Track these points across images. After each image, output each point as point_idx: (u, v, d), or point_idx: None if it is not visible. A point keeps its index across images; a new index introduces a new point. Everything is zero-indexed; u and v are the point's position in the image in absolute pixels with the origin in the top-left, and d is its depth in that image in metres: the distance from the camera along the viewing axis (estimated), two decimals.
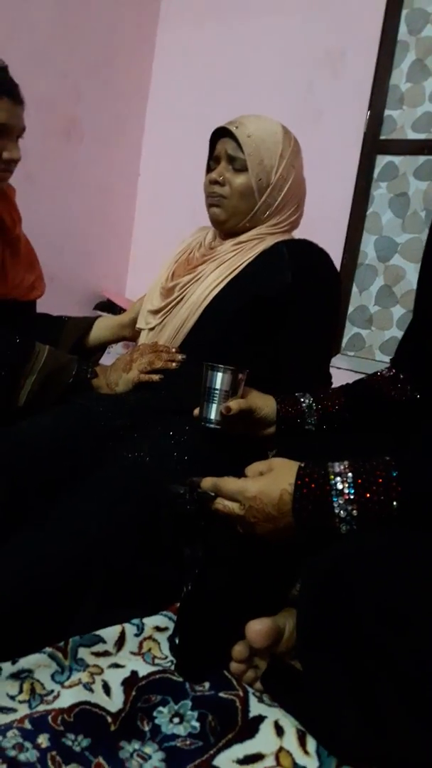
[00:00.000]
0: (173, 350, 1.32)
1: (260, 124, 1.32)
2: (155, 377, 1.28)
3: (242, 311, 1.28)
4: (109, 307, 2.92)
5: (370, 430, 1.15)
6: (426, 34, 2.40)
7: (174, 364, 1.29)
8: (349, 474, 0.76)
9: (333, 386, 1.39)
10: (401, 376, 1.15)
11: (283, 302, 1.28)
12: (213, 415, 1.12)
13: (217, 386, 1.12)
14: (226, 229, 1.38)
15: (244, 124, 1.31)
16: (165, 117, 3.03)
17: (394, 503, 0.73)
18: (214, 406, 1.12)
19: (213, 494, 0.85)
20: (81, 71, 2.68)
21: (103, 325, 1.52)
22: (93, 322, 1.53)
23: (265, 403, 1.16)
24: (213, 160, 1.36)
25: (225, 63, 2.82)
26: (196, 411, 1.15)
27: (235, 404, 1.11)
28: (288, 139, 1.34)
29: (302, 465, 0.80)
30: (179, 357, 1.30)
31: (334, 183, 2.53)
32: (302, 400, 1.17)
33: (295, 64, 2.65)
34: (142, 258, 3.14)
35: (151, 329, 1.38)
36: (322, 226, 2.43)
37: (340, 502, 0.75)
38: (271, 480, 0.81)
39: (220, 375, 1.12)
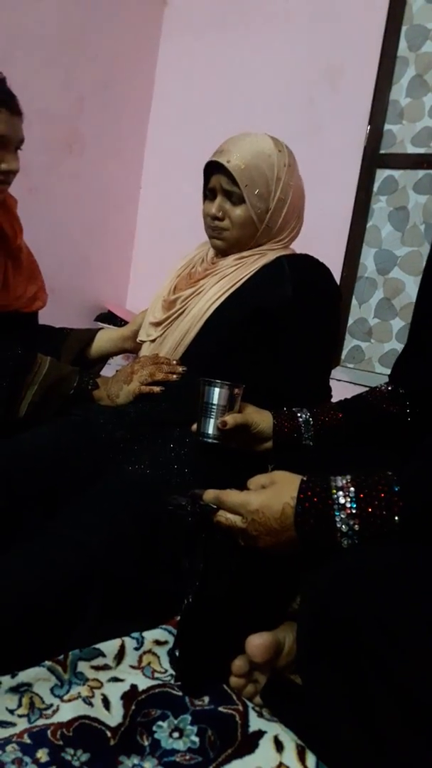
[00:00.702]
0: (174, 362, 1.32)
1: (251, 149, 1.29)
2: (156, 389, 1.29)
3: (243, 324, 1.29)
4: (110, 318, 2.93)
5: (368, 445, 1.15)
6: (426, 50, 2.42)
7: (174, 376, 1.30)
8: (351, 488, 0.76)
9: (333, 398, 1.40)
10: (400, 391, 1.16)
11: (283, 315, 1.28)
12: (210, 430, 1.13)
13: (214, 401, 1.13)
14: (229, 255, 1.39)
15: (234, 154, 1.28)
16: (167, 130, 3.05)
17: (396, 518, 0.73)
18: (211, 421, 1.13)
19: (215, 507, 0.85)
20: (83, 84, 2.70)
21: (105, 338, 1.53)
22: (95, 334, 1.53)
23: (261, 419, 1.17)
24: (209, 191, 1.36)
25: (226, 77, 2.85)
26: (194, 426, 1.16)
27: (231, 419, 1.11)
28: (282, 157, 1.32)
29: (304, 479, 0.80)
30: (180, 369, 1.31)
31: (334, 196, 2.55)
32: (299, 415, 1.17)
33: (295, 79, 2.67)
34: (143, 270, 3.15)
35: (153, 341, 1.39)
36: (322, 239, 2.44)
37: (342, 516, 0.75)
38: (274, 493, 0.81)
39: (216, 390, 1.13)
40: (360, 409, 1.18)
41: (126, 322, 2.46)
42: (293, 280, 1.30)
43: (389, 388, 1.17)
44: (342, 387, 2.17)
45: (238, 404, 1.15)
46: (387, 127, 2.51)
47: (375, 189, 2.55)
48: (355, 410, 1.18)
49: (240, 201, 1.30)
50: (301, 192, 1.39)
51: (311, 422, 1.16)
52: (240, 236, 1.34)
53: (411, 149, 2.47)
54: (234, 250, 1.37)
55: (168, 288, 1.42)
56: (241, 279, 1.32)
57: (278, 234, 1.37)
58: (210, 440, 1.13)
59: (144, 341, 1.41)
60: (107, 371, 1.57)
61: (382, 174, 2.54)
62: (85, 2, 2.60)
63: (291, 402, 1.21)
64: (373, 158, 2.54)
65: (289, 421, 1.17)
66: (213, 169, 1.33)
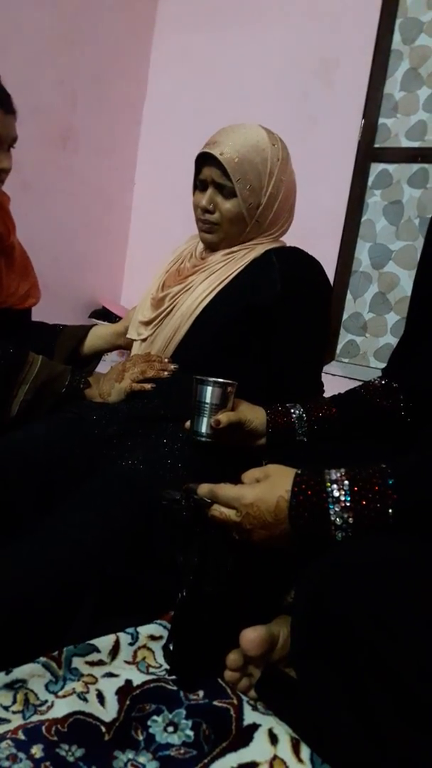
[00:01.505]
0: (165, 360, 1.32)
1: (245, 141, 1.28)
2: (147, 386, 1.28)
3: (233, 321, 1.28)
4: (104, 314, 2.92)
5: (362, 440, 1.15)
6: (420, 43, 2.42)
7: (166, 374, 1.29)
8: (346, 481, 0.76)
9: (327, 393, 1.40)
10: (394, 386, 1.16)
11: (273, 311, 1.27)
12: (203, 429, 1.13)
13: (207, 400, 1.13)
14: (219, 249, 1.38)
15: (228, 146, 1.27)
16: (160, 126, 3.05)
17: (390, 511, 0.73)
18: (204, 419, 1.13)
19: (209, 501, 0.85)
20: (77, 80, 2.69)
21: (98, 334, 1.53)
22: (88, 331, 1.53)
23: (255, 415, 1.16)
24: (200, 182, 1.34)
25: (220, 72, 2.84)
26: (187, 424, 1.16)
27: (224, 417, 1.11)
28: (275, 151, 1.31)
29: (299, 472, 0.80)
30: (171, 366, 1.30)
31: (328, 191, 2.54)
32: (293, 411, 1.17)
33: (290, 73, 2.66)
34: (138, 266, 3.14)
35: (144, 340, 1.38)
36: (317, 233, 2.44)
37: (336, 509, 0.75)
38: (268, 487, 0.80)
39: (209, 389, 1.12)
40: (354, 403, 1.18)
41: (120, 318, 2.45)
42: (282, 275, 1.29)
43: (383, 383, 1.17)
44: (337, 381, 2.17)
45: (231, 402, 1.15)
46: (381, 120, 2.51)
47: (369, 183, 2.55)
48: (349, 405, 1.18)
49: (231, 195, 1.29)
50: (293, 186, 1.38)
51: (305, 418, 1.16)
52: (229, 231, 1.33)
53: (405, 143, 2.47)
54: (223, 245, 1.36)
55: (156, 285, 1.41)
56: (230, 275, 1.31)
57: (268, 228, 1.36)
58: (204, 439, 1.13)
59: (135, 340, 1.41)
60: (102, 367, 1.57)
61: (376, 168, 2.54)
62: None
63: (283, 397, 1.21)
64: (368, 152, 2.53)
65: (282, 417, 1.16)
66: (205, 160, 1.31)
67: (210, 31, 2.88)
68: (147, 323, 1.38)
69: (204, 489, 0.86)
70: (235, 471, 0.89)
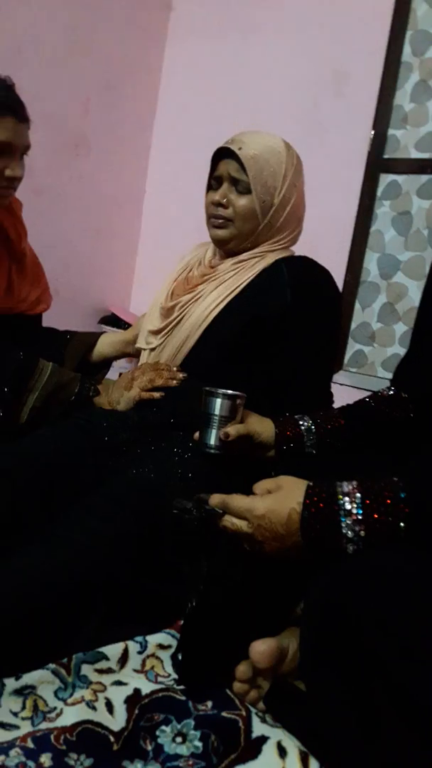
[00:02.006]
0: (174, 368, 1.32)
1: (263, 143, 1.31)
2: (156, 395, 1.28)
3: (242, 331, 1.28)
4: (113, 321, 2.93)
5: (371, 450, 1.15)
6: (430, 55, 2.43)
7: (174, 382, 1.29)
8: (358, 494, 0.76)
9: (335, 403, 1.40)
10: (402, 395, 1.15)
11: (283, 322, 1.27)
12: (212, 441, 1.13)
13: (216, 412, 1.12)
14: (228, 249, 1.37)
15: (246, 144, 1.29)
16: (172, 134, 3.06)
17: (402, 524, 0.73)
18: (213, 431, 1.13)
19: (221, 511, 0.85)
20: (90, 88, 2.71)
21: (107, 342, 1.53)
22: (97, 339, 1.53)
23: (264, 428, 1.16)
24: (214, 180, 1.35)
25: (231, 81, 2.85)
26: (196, 435, 1.16)
27: (233, 430, 1.11)
28: (290, 156, 1.33)
29: (311, 484, 0.80)
30: (180, 375, 1.30)
31: (337, 201, 2.55)
32: (301, 423, 1.17)
33: (300, 84, 2.68)
34: (147, 273, 3.15)
35: (152, 349, 1.38)
36: (326, 243, 2.44)
37: (348, 522, 0.75)
38: (280, 498, 0.81)
39: (218, 401, 1.12)
40: (362, 414, 1.18)
41: (129, 325, 2.46)
42: (292, 286, 1.29)
43: (391, 392, 1.17)
44: (345, 391, 2.16)
45: (240, 414, 1.15)
46: (391, 131, 2.52)
47: (379, 193, 2.55)
48: (358, 416, 1.18)
49: (246, 191, 1.29)
50: (303, 197, 1.39)
51: (313, 430, 1.16)
52: (241, 228, 1.32)
53: (415, 154, 2.48)
54: (233, 244, 1.35)
55: (165, 294, 1.41)
56: (240, 285, 1.31)
57: (277, 234, 1.36)
58: (213, 451, 1.13)
59: (144, 349, 1.40)
60: (111, 374, 1.57)
61: (385, 179, 2.54)
62: (91, 6, 2.61)
63: (292, 408, 1.21)
64: (377, 163, 2.54)
65: (291, 429, 1.16)
66: (222, 156, 1.32)
67: (222, 41, 2.89)
68: (156, 332, 1.37)
69: (216, 499, 0.86)
70: (246, 481, 0.89)
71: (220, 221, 1.33)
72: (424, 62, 2.44)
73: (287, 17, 2.72)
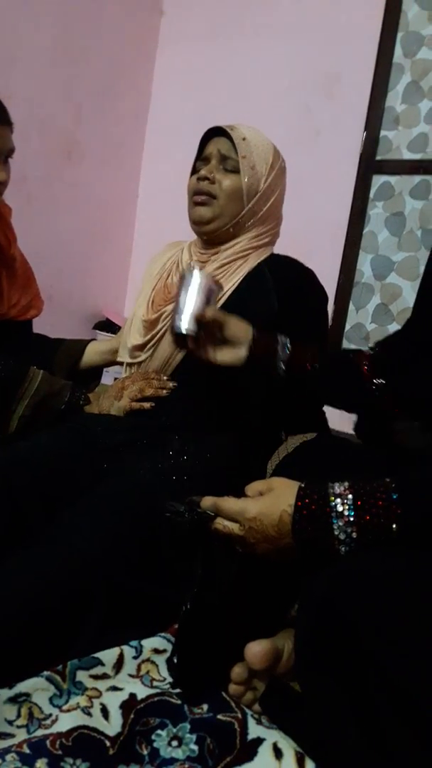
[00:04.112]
0: (164, 378, 1.31)
1: (254, 133, 1.33)
2: (146, 405, 1.28)
3: None
4: (107, 326, 2.93)
5: (330, 403, 1.16)
6: (421, 56, 2.44)
7: (164, 392, 1.29)
8: (349, 496, 0.76)
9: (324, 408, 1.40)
10: (384, 358, 1.13)
11: (271, 328, 1.27)
12: (186, 322, 1.12)
13: (194, 292, 1.12)
14: (208, 231, 1.34)
15: (239, 129, 1.31)
16: (164, 138, 3.07)
17: (394, 526, 0.73)
18: (189, 311, 1.12)
19: (213, 514, 0.85)
20: (82, 93, 2.71)
21: (93, 350, 1.52)
22: (85, 347, 1.52)
23: (240, 328, 1.15)
24: (201, 161, 1.34)
25: (223, 85, 2.86)
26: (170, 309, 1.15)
27: (210, 311, 1.11)
28: (277, 154, 1.35)
29: (302, 485, 0.80)
30: (170, 384, 1.29)
31: (330, 202, 2.56)
32: (279, 338, 1.14)
33: (292, 86, 2.68)
34: (141, 278, 3.15)
35: (139, 364, 1.36)
36: (319, 244, 2.46)
37: (340, 524, 0.75)
38: (271, 500, 0.81)
39: (198, 279, 1.12)
40: (339, 358, 1.17)
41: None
42: (278, 290, 1.28)
43: (372, 352, 1.15)
44: None
45: (216, 303, 1.15)
46: (383, 133, 2.53)
47: (371, 195, 2.56)
48: (334, 357, 1.17)
49: (234, 170, 1.29)
50: (282, 200, 1.38)
51: (288, 349, 1.13)
52: (225, 208, 1.30)
53: (407, 155, 2.49)
54: (214, 225, 1.32)
55: (145, 305, 1.38)
56: (225, 294, 1.29)
57: (259, 225, 1.34)
58: (184, 330, 1.12)
59: (130, 363, 1.38)
60: (105, 379, 1.57)
61: (378, 180, 2.55)
62: (82, 12, 2.62)
63: (287, 410, 1.21)
64: (370, 164, 2.55)
65: (267, 339, 1.14)
66: (212, 136, 1.33)
67: (213, 45, 2.90)
68: (141, 347, 1.35)
69: (207, 502, 0.86)
70: (241, 483, 0.89)
71: (204, 197, 1.31)
72: (415, 63, 2.45)
73: (278, 20, 2.73)
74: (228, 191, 1.30)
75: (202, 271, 1.15)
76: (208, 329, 1.13)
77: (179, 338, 1.14)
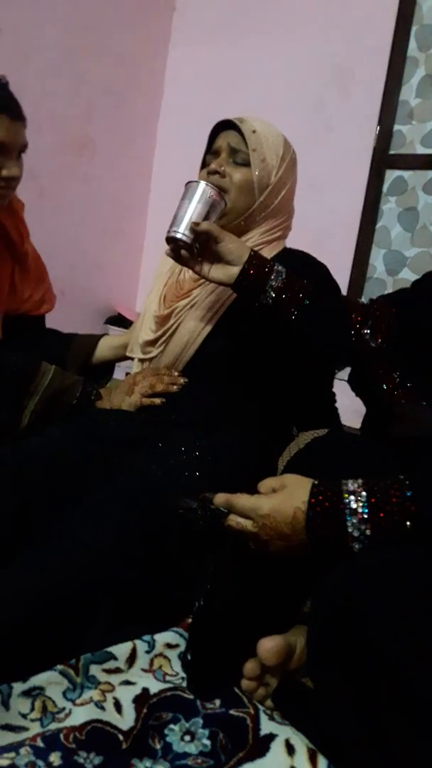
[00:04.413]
0: (175, 373, 1.31)
1: (264, 125, 1.31)
2: (157, 401, 1.28)
3: (242, 336, 1.27)
4: (119, 320, 2.94)
5: (311, 343, 1.14)
6: None
7: (175, 388, 1.28)
8: (363, 493, 0.76)
9: (339, 400, 1.39)
10: (374, 312, 1.13)
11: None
12: (182, 227, 1.12)
13: (195, 200, 1.13)
14: (220, 225, 1.29)
15: (248, 121, 1.29)
16: (176, 134, 3.06)
17: (408, 523, 0.73)
18: (186, 218, 1.12)
19: (226, 510, 0.85)
20: (93, 89, 2.71)
21: (107, 345, 1.52)
22: (98, 342, 1.53)
23: (236, 246, 1.13)
24: (211, 154, 1.33)
25: (235, 80, 2.85)
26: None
27: (207, 224, 1.11)
28: (288, 146, 1.33)
29: (316, 483, 0.80)
30: (181, 380, 1.29)
31: (343, 197, 2.55)
32: (275, 265, 1.13)
33: (305, 81, 2.67)
34: (153, 273, 3.14)
35: (150, 360, 1.36)
36: (332, 239, 2.45)
37: (354, 521, 0.75)
38: (285, 497, 0.80)
39: (201, 189, 1.13)
40: (329, 304, 1.16)
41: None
42: None
43: (365, 303, 1.16)
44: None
45: (216, 219, 1.16)
46: (396, 127, 2.51)
47: (384, 189, 2.55)
48: (324, 302, 1.15)
49: (244, 163, 1.28)
50: (293, 192, 1.37)
51: (282, 275, 1.12)
52: (236, 202, 1.28)
53: (421, 150, 2.47)
54: (225, 219, 1.29)
55: (157, 300, 1.38)
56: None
57: (270, 218, 1.33)
58: (178, 236, 1.12)
59: (141, 359, 1.38)
60: (118, 373, 1.57)
61: (391, 174, 2.53)
62: (94, 8, 2.62)
63: (298, 407, 1.20)
64: (383, 159, 2.53)
65: (262, 260, 1.13)
66: (222, 129, 1.31)
67: (225, 40, 2.89)
68: (152, 342, 1.35)
69: (220, 499, 0.86)
70: (254, 480, 0.89)
71: None
72: (429, 57, 2.44)
73: (291, 15, 2.72)
74: (239, 184, 1.28)
75: (207, 184, 1.16)
76: (203, 243, 1.13)
77: (173, 246, 1.14)
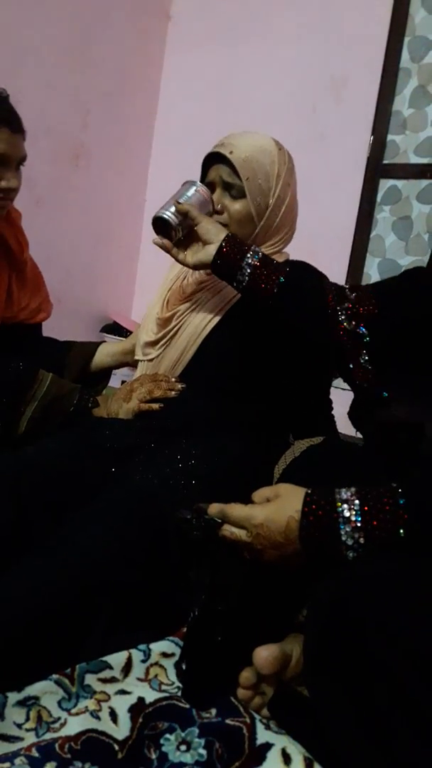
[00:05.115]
0: (173, 379, 1.32)
1: (254, 144, 1.28)
2: (155, 406, 1.28)
3: (241, 342, 1.28)
4: (115, 329, 2.94)
5: (285, 321, 1.18)
6: (428, 60, 2.44)
7: (173, 393, 1.29)
8: (356, 501, 0.76)
9: (335, 407, 1.40)
10: (350, 297, 1.15)
11: (281, 334, 1.27)
12: (167, 208, 1.21)
13: (185, 192, 1.23)
14: None
15: (237, 146, 1.26)
16: (171, 143, 3.08)
17: (401, 531, 0.73)
18: (172, 202, 1.21)
19: (220, 520, 0.85)
20: (89, 98, 2.73)
21: (106, 352, 1.53)
22: (96, 348, 1.53)
23: (214, 227, 1.19)
24: (207, 186, 1.32)
25: (230, 89, 2.87)
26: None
27: (187, 205, 1.19)
28: (282, 155, 1.30)
29: (309, 492, 0.80)
30: (179, 386, 1.30)
31: (337, 206, 2.56)
32: (253, 247, 1.18)
33: (299, 90, 2.69)
34: (149, 281, 3.16)
35: (150, 360, 1.37)
36: (326, 248, 2.46)
37: (347, 529, 0.75)
38: (278, 507, 0.81)
39: (195, 187, 1.23)
40: (304, 283, 1.19)
41: (131, 332, 2.47)
42: None
43: (343, 286, 1.18)
44: (348, 396, 2.16)
45: (206, 212, 1.23)
46: (390, 137, 2.53)
47: (378, 199, 2.57)
48: (299, 281, 1.18)
49: (240, 195, 1.27)
50: (296, 198, 1.36)
51: (259, 255, 1.16)
52: (237, 233, 1.28)
53: (414, 159, 2.49)
54: None
55: (160, 303, 1.39)
56: (237, 294, 1.29)
57: (273, 236, 1.34)
58: (161, 213, 1.21)
59: (141, 360, 1.39)
60: (113, 381, 1.57)
61: (385, 184, 2.55)
62: (89, 17, 2.64)
63: (297, 415, 1.21)
64: (377, 168, 2.55)
65: (241, 241, 1.18)
66: (213, 161, 1.30)
67: (220, 48, 2.91)
68: (153, 343, 1.36)
69: (214, 509, 0.86)
70: (249, 489, 0.89)
71: None
72: (422, 68, 2.46)
73: (285, 25, 2.74)
74: (238, 218, 1.29)
75: (201, 185, 1.24)
76: (186, 233, 1.21)
77: (158, 228, 1.23)
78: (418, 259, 2.48)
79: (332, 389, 1.41)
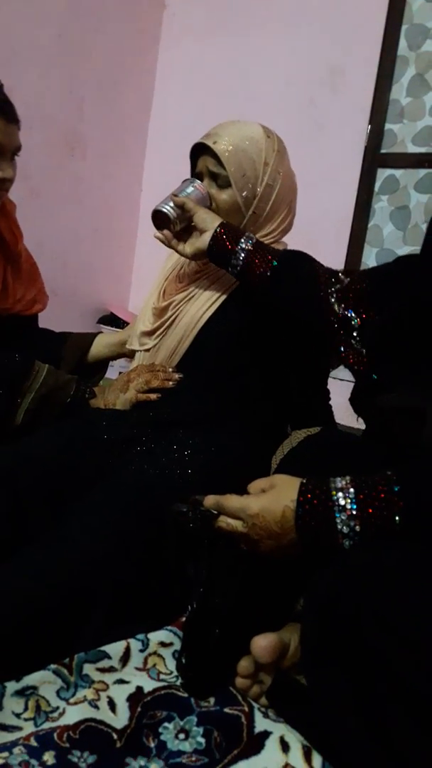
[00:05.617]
0: (170, 369, 1.32)
1: (239, 133, 1.27)
2: (152, 396, 1.28)
3: (237, 331, 1.28)
4: (112, 320, 2.94)
5: (279, 302, 1.20)
6: (426, 49, 2.43)
7: (170, 383, 1.29)
8: (351, 489, 0.76)
9: (333, 398, 1.40)
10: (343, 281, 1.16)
11: (277, 320, 1.27)
12: (166, 202, 1.25)
13: (183, 188, 1.27)
14: None
15: (221, 136, 1.26)
16: (167, 133, 3.06)
17: (397, 518, 0.73)
18: (170, 196, 1.26)
19: (216, 512, 0.85)
20: (84, 89, 2.71)
21: (103, 343, 1.53)
22: (93, 340, 1.53)
23: (209, 215, 1.23)
24: (195, 176, 1.33)
25: (226, 79, 2.85)
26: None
27: (184, 197, 1.23)
28: (271, 143, 1.29)
29: (304, 481, 0.80)
30: (176, 376, 1.30)
31: (335, 196, 2.55)
32: (247, 233, 1.22)
33: (296, 79, 2.68)
34: (146, 272, 3.16)
35: (147, 350, 1.37)
36: (324, 238, 2.45)
37: (343, 517, 0.75)
38: (274, 497, 0.81)
39: (195, 184, 1.27)
40: (298, 263, 1.21)
41: (128, 324, 2.46)
42: None
43: (335, 271, 1.19)
44: (345, 386, 2.16)
45: (204, 204, 1.27)
46: (388, 126, 2.52)
47: (376, 188, 2.56)
48: (293, 262, 1.21)
49: (226, 184, 1.27)
50: (291, 181, 1.35)
51: (253, 240, 1.20)
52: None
53: (412, 148, 2.48)
54: None
55: (157, 293, 1.39)
56: (234, 283, 1.29)
57: (266, 223, 1.33)
58: (159, 206, 1.26)
59: (138, 350, 1.39)
60: (110, 373, 1.57)
61: (383, 173, 2.54)
62: (84, 7, 2.62)
63: (293, 405, 1.21)
64: (374, 158, 2.54)
65: (232, 240, 1.20)
66: (200, 151, 1.30)
67: (216, 39, 2.89)
68: (150, 333, 1.36)
69: (210, 501, 0.86)
70: (245, 480, 0.89)
71: None
72: (420, 56, 2.45)
73: (282, 13, 2.72)
74: (224, 208, 1.29)
75: (200, 182, 1.28)
76: (185, 226, 1.25)
77: (157, 222, 1.28)
78: (416, 249, 2.46)
79: (330, 379, 1.41)
